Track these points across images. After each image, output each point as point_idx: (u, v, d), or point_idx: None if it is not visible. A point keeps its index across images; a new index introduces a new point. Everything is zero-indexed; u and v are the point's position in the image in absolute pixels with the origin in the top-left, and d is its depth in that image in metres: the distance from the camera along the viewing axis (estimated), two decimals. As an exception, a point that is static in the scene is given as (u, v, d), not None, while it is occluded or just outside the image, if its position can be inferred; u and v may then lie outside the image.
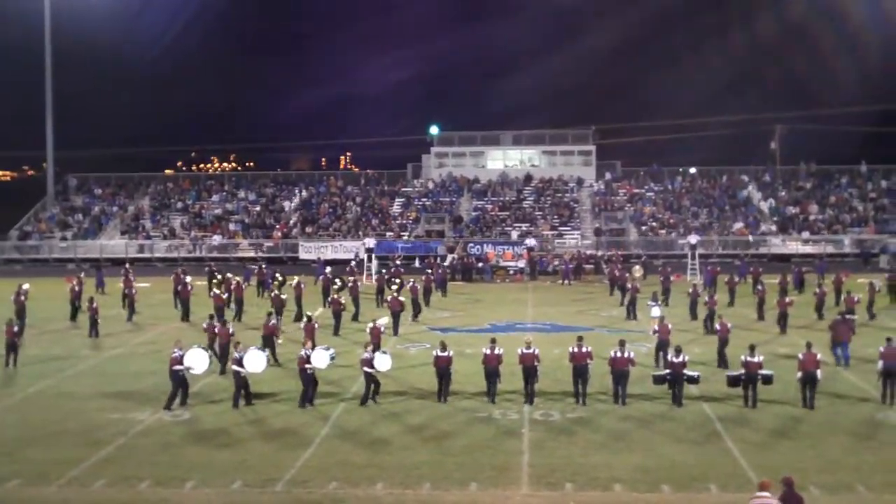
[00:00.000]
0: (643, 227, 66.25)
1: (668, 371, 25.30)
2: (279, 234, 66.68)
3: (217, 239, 66.68)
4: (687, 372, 24.98)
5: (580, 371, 25.10)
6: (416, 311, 39.70)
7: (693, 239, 56.23)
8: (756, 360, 24.72)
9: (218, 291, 38.96)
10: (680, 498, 18.35)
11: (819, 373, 24.53)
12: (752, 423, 23.26)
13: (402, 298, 36.99)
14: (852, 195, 69.64)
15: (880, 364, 24.96)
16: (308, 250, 63.14)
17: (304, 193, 74.21)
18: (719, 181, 73.52)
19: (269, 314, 32.24)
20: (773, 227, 65.46)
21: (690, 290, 38.64)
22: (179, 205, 73.40)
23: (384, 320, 32.94)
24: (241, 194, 74.58)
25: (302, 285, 40.80)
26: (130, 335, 36.33)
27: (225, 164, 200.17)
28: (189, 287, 40.79)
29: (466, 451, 21.16)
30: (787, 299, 36.61)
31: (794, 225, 65.52)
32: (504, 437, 22.20)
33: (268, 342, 30.10)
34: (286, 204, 72.61)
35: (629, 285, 41.16)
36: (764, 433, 22.38)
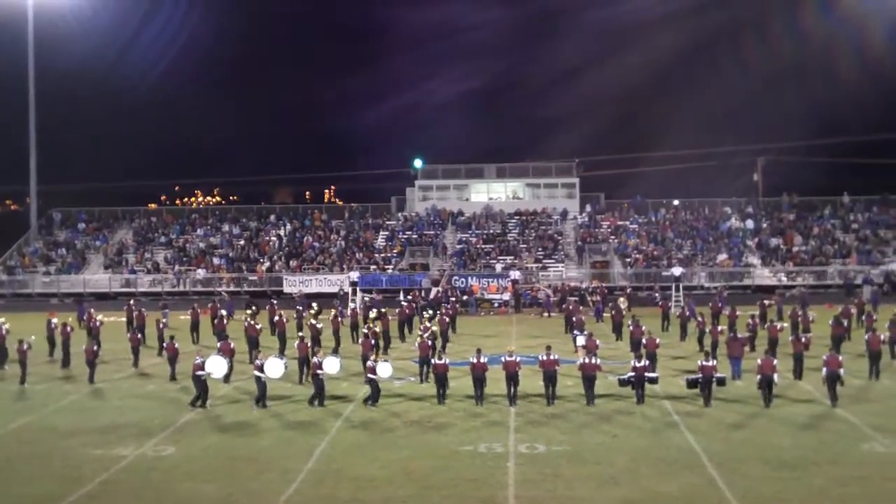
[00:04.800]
0: (627, 259, 66.42)
1: (631, 374, 28.80)
2: (263, 267, 66.61)
3: (201, 273, 66.52)
4: (648, 374, 28.93)
5: (549, 376, 28.54)
6: (444, 341, 39.57)
7: (677, 271, 56.47)
8: (710, 363, 28.32)
9: (252, 322, 39.19)
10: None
11: (776, 376, 27.93)
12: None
13: (434, 328, 37.77)
14: (835, 226, 70.09)
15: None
16: (293, 284, 63.09)
17: (289, 227, 74.16)
18: (702, 213, 73.88)
19: (302, 338, 33.92)
20: (757, 260, 65.83)
21: (632, 328, 36.84)
22: (163, 239, 73.26)
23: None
24: (225, 228, 74.50)
25: (339, 318, 41.58)
26: (113, 370, 36.05)
27: (209, 198, 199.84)
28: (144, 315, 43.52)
29: (452, 483, 21.07)
30: (720, 328, 37.82)
31: (778, 256, 65.81)
32: (490, 470, 22.10)
33: (302, 363, 32.53)
34: (270, 238, 72.49)
35: (574, 318, 42.14)
36: (749, 462, 22.33)
